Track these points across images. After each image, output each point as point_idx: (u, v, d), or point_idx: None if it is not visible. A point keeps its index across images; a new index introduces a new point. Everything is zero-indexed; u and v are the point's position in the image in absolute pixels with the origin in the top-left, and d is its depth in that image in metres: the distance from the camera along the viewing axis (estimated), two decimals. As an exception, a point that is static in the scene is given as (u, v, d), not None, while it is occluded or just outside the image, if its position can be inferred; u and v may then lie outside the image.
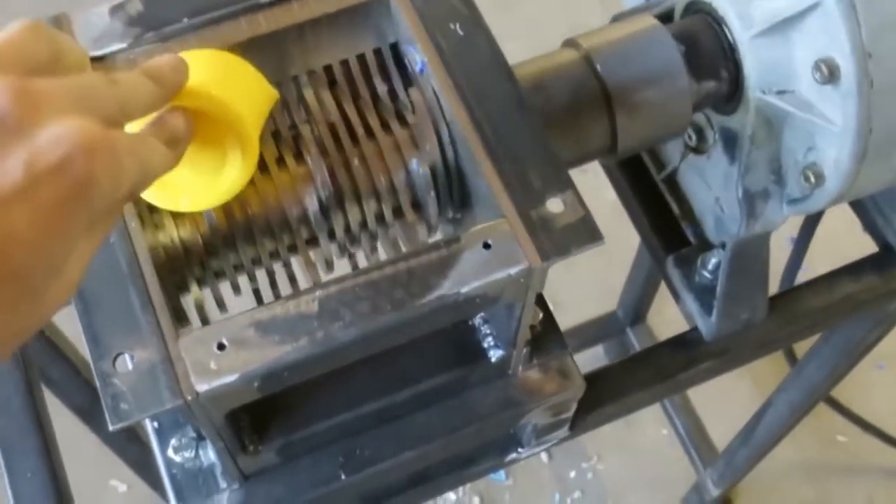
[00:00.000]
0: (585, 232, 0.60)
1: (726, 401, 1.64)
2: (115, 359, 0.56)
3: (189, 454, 0.70)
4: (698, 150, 0.85)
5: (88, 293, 0.58)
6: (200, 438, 0.70)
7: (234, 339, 0.57)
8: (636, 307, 1.66)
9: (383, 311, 0.58)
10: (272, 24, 0.67)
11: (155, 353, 0.56)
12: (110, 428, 0.55)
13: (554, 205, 0.61)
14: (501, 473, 1.76)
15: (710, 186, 0.85)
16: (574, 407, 0.78)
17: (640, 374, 0.86)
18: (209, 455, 0.69)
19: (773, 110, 0.73)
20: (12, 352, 0.44)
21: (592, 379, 0.85)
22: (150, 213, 0.63)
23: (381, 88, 0.69)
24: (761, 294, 0.84)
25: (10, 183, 0.40)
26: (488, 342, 0.71)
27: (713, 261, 0.85)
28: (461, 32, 0.67)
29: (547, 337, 0.75)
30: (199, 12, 0.67)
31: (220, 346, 0.57)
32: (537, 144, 0.63)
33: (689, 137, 0.84)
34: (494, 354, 0.71)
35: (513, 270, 0.59)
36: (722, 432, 1.55)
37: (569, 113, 0.71)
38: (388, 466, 0.72)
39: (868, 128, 0.67)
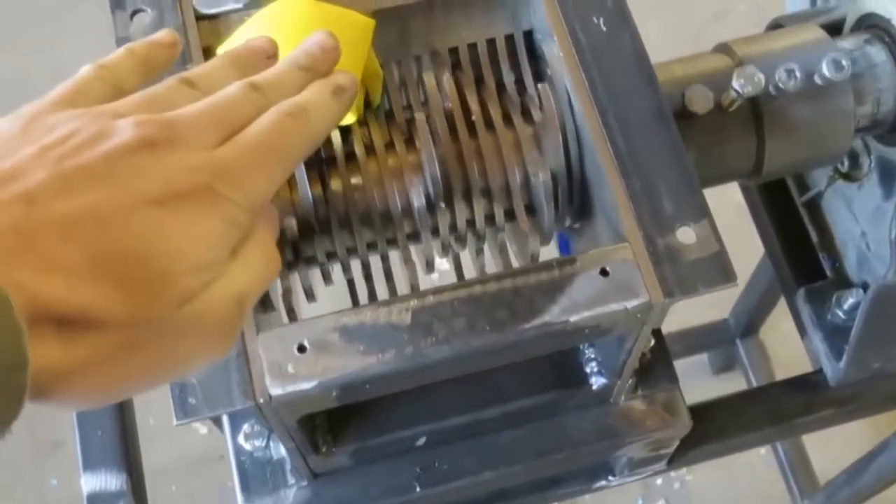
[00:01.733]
0: (717, 270, 0.54)
1: (835, 432, 1.54)
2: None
3: (260, 443, 0.66)
4: (850, 177, 0.76)
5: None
6: (272, 434, 0.66)
7: (316, 343, 0.52)
8: (750, 318, 1.57)
9: (481, 332, 0.52)
10: (399, -2, 0.62)
11: (231, 354, 0.52)
12: (175, 423, 0.51)
13: (685, 235, 0.54)
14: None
15: (857, 219, 0.76)
16: (676, 444, 0.72)
17: (753, 413, 0.78)
18: (280, 448, 0.65)
19: (946, 150, 0.64)
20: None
21: (699, 412, 0.78)
22: None
23: (509, 78, 0.63)
24: (899, 344, 0.76)
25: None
26: (591, 367, 0.65)
27: (850, 301, 0.77)
28: (604, 28, 0.60)
29: (657, 367, 0.68)
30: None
31: (301, 349, 0.52)
32: (675, 163, 0.56)
33: (842, 163, 0.76)
34: (597, 382, 0.65)
35: (630, 304, 0.53)
36: (826, 465, 1.46)
37: (713, 127, 0.64)
38: (467, 484, 0.67)
39: None
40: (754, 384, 1.61)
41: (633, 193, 0.55)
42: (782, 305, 1.71)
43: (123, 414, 0.78)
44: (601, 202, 0.59)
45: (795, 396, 0.79)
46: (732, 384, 1.71)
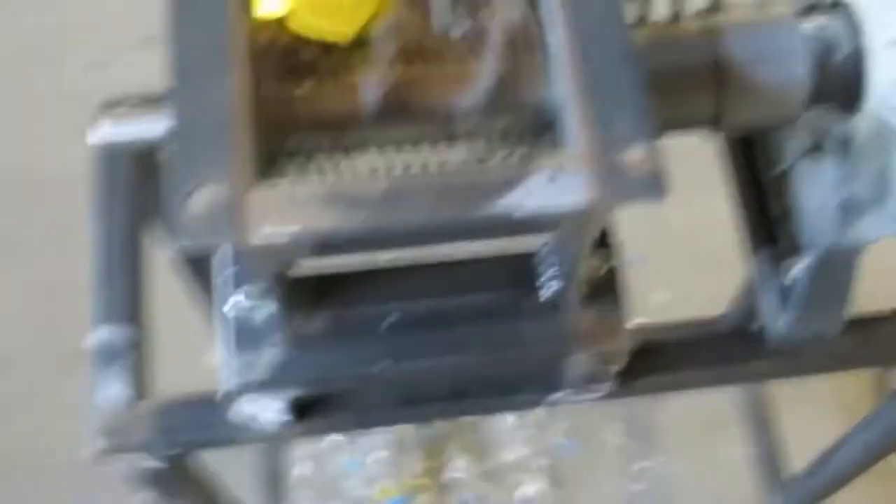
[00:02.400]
0: (651, 186, 0.62)
1: (815, 432, 1.60)
2: (193, 187, 0.62)
3: (250, 305, 0.76)
4: (813, 155, 0.84)
5: (186, 126, 0.63)
6: (266, 295, 0.75)
7: (302, 199, 0.61)
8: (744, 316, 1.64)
9: (440, 210, 0.61)
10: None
11: (230, 192, 0.61)
12: (171, 247, 0.61)
13: (630, 153, 0.63)
14: (575, 443, 1.78)
15: (815, 194, 0.84)
16: (621, 362, 0.80)
17: (699, 353, 0.86)
18: (267, 311, 0.74)
19: (890, 126, 0.72)
20: None
21: (649, 348, 0.86)
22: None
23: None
24: (839, 308, 0.83)
25: None
26: (547, 274, 0.74)
27: (800, 265, 0.84)
28: (590, -25, 0.68)
29: (608, 290, 0.77)
30: None
31: (289, 202, 0.61)
32: (633, 93, 0.65)
33: (807, 141, 0.84)
34: (550, 287, 0.74)
35: (571, 206, 0.61)
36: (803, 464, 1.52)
37: (679, 74, 0.72)
38: (428, 366, 0.76)
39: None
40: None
41: (592, 112, 0.64)
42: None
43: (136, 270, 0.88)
44: (562, 119, 0.67)
45: (741, 345, 0.87)
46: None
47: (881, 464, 1.58)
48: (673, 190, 0.61)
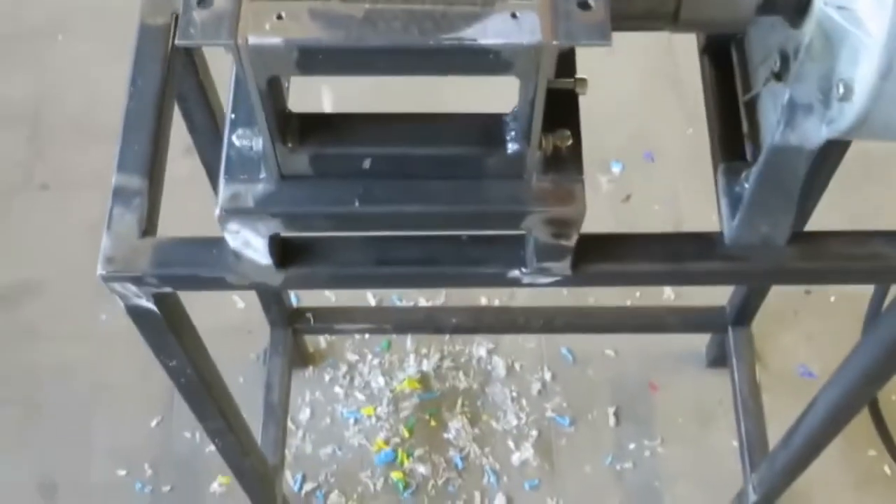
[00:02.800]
0: (599, 32, 0.70)
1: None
2: (200, 0, 0.71)
3: (247, 143, 0.85)
4: (780, 77, 0.91)
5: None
6: (259, 134, 0.84)
7: (290, 15, 0.71)
8: (743, 307, 1.70)
9: (410, 34, 0.70)
10: None
11: (229, 5, 0.71)
12: (177, 41, 0.70)
13: (583, 4, 0.71)
14: (566, 418, 1.84)
15: (774, 112, 0.91)
16: (574, 235, 0.87)
17: (652, 248, 0.93)
18: (260, 143, 0.83)
19: (832, 24, 0.79)
20: None
21: (607, 238, 0.94)
22: None
23: None
24: (786, 212, 0.90)
25: None
26: (510, 135, 0.82)
27: (752, 171, 0.91)
28: None
29: (568, 161, 0.85)
30: None
31: (279, 17, 0.71)
32: (592, -41, 0.73)
33: (774, 63, 0.91)
34: (512, 147, 0.82)
35: (526, 40, 0.70)
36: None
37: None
38: (396, 211, 0.84)
39: (896, 45, 0.73)
40: (737, 375, 1.73)
41: (554, -29, 0.73)
42: (775, 314, 1.84)
43: (159, 133, 0.98)
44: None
45: (693, 245, 0.94)
46: (720, 379, 1.83)
47: (874, 472, 1.63)
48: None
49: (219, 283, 0.94)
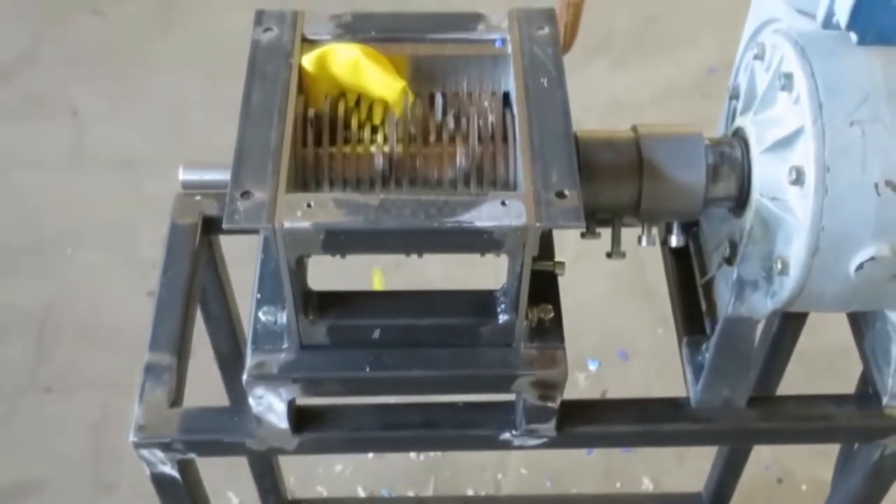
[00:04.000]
0: (573, 216, 0.85)
1: None
2: (243, 193, 0.86)
3: (271, 318, 0.97)
4: (730, 262, 1.06)
5: (248, 143, 0.88)
6: (282, 310, 0.97)
7: (318, 203, 0.85)
8: (718, 492, 1.78)
9: (417, 218, 0.85)
10: (427, 52, 0.99)
11: (267, 196, 0.86)
12: (224, 226, 0.84)
13: (560, 195, 0.86)
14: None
15: (727, 291, 1.05)
16: (558, 397, 0.99)
17: (628, 411, 1.05)
18: (283, 318, 0.96)
19: (768, 213, 0.95)
20: None
21: (588, 404, 1.06)
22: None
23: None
24: (742, 376, 1.02)
25: None
26: (501, 307, 0.95)
27: (711, 342, 1.04)
28: (546, 85, 0.95)
29: (551, 331, 0.98)
30: (384, 31, 1.00)
31: (308, 205, 0.85)
32: (566, 159, 0.89)
33: (725, 250, 1.06)
34: (503, 317, 0.95)
35: (514, 223, 0.85)
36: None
37: (611, 169, 0.97)
38: (401, 377, 0.96)
39: (820, 225, 0.88)
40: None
41: (535, 169, 0.88)
42: (750, 496, 1.92)
43: (187, 316, 1.10)
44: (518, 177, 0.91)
45: (663, 409, 1.05)
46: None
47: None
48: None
49: (238, 449, 1.04)
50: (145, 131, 2.63)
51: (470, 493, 1.98)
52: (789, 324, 1.35)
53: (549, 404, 1.00)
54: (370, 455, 2.05)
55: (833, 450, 1.24)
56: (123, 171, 2.54)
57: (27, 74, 2.77)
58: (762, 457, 2.04)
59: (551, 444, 1.04)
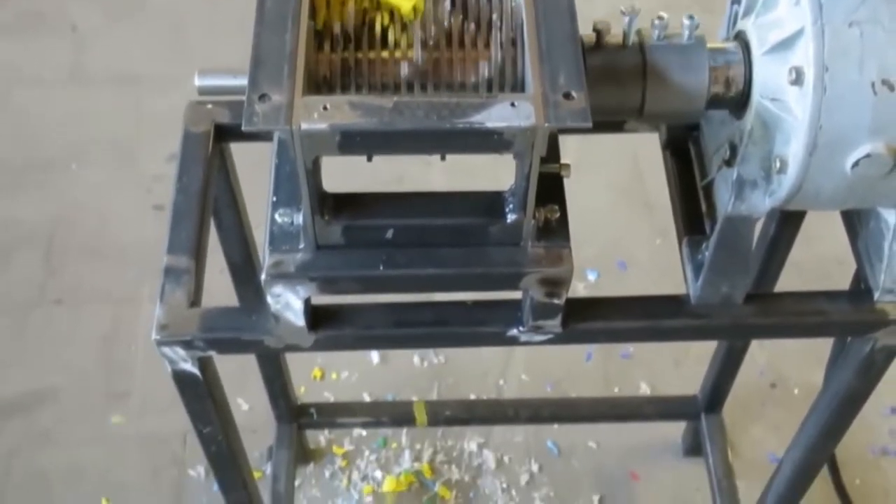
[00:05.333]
0: (580, 116, 0.88)
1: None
2: (260, 96, 0.89)
3: (287, 220, 1.01)
4: (730, 164, 1.09)
5: (264, 48, 0.91)
6: (297, 211, 1.00)
7: (334, 105, 0.88)
8: (714, 394, 1.84)
9: (429, 120, 0.88)
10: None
11: (285, 99, 0.88)
12: (243, 127, 0.87)
13: (567, 96, 0.89)
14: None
15: (726, 192, 1.09)
16: (564, 294, 1.03)
17: (630, 308, 1.09)
18: (299, 218, 0.99)
19: (768, 113, 0.98)
20: None
21: (592, 301, 1.10)
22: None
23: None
24: (741, 274, 1.06)
25: None
26: (508, 207, 0.99)
27: (710, 240, 1.08)
28: (552, -11, 0.97)
29: (557, 231, 1.01)
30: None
31: (324, 108, 0.88)
32: (573, 61, 0.92)
33: (725, 152, 1.09)
34: (511, 217, 0.99)
35: (523, 123, 0.88)
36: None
37: (617, 73, 0.99)
38: (414, 274, 1.00)
39: (818, 124, 0.91)
40: (711, 461, 1.86)
41: (542, 72, 0.91)
42: (745, 400, 1.99)
43: (202, 221, 1.13)
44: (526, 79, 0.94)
45: (664, 305, 1.10)
46: (696, 468, 1.96)
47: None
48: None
49: (257, 346, 1.08)
50: (145, 47, 2.63)
51: (472, 397, 2.05)
52: (785, 227, 1.39)
53: (555, 301, 1.04)
54: (375, 361, 2.11)
55: (825, 356, 1.29)
56: (124, 87, 2.55)
57: (25, -10, 2.77)
58: (756, 362, 2.10)
59: (556, 339, 1.09)
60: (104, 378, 2.10)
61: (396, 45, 0.97)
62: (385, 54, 0.96)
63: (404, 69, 0.95)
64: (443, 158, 0.96)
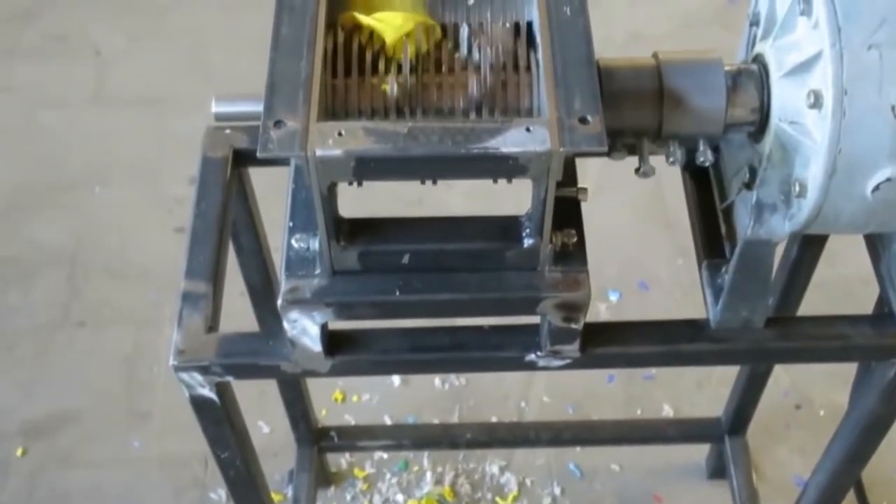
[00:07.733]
0: (595, 141, 0.88)
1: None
2: (276, 122, 0.89)
3: (304, 245, 1.01)
4: (749, 186, 1.08)
5: (279, 74, 0.91)
6: (313, 237, 1.00)
7: (349, 131, 0.88)
8: (737, 416, 1.82)
9: (444, 145, 0.87)
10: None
11: (300, 125, 0.88)
12: (258, 154, 0.87)
13: (582, 120, 0.89)
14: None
15: (746, 216, 1.08)
16: (582, 319, 1.02)
17: (649, 332, 1.08)
18: (315, 248, 0.99)
19: (787, 137, 0.97)
20: None
21: (610, 326, 1.09)
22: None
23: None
24: (761, 297, 1.05)
25: None
26: (526, 232, 0.98)
27: (730, 264, 1.07)
28: (568, 13, 0.97)
29: (575, 255, 1.01)
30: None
31: (339, 134, 0.88)
32: (589, 85, 0.91)
33: (745, 175, 1.08)
34: (527, 241, 0.98)
35: (539, 148, 0.87)
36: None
37: (634, 95, 0.99)
38: (430, 300, 0.99)
39: (838, 148, 0.90)
40: (735, 483, 1.84)
41: (558, 97, 0.90)
42: (770, 429, 1.97)
43: (220, 246, 1.13)
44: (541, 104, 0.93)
45: (684, 329, 1.09)
46: (720, 490, 1.94)
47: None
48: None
49: (274, 371, 1.08)
50: (167, 69, 2.65)
51: (494, 420, 2.03)
52: (808, 249, 1.37)
53: (573, 326, 1.03)
54: (396, 384, 2.10)
55: (850, 377, 1.27)
56: (147, 109, 2.57)
57: (49, 14, 2.79)
58: (780, 384, 2.08)
59: (575, 364, 1.08)
60: (126, 399, 2.11)
61: (412, 70, 0.97)
62: (397, 81, 0.96)
63: (412, 94, 0.95)
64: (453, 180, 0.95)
